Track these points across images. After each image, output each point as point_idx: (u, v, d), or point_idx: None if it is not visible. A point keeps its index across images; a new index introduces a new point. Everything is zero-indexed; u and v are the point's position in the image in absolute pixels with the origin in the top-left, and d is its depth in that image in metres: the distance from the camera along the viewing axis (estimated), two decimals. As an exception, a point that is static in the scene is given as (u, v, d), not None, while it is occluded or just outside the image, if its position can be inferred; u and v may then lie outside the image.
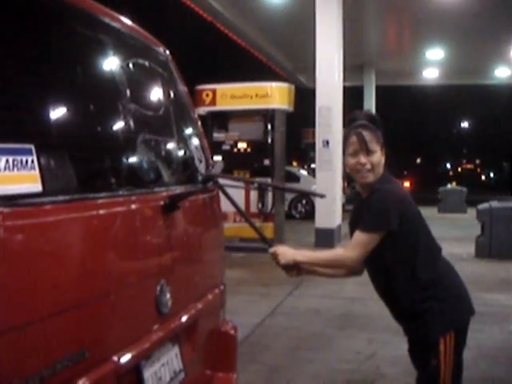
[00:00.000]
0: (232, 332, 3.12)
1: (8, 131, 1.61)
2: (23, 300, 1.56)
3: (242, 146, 13.04)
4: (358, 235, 2.77)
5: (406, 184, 48.93)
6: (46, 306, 1.64)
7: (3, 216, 1.50)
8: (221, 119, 12.84)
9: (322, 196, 3.00)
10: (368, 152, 2.81)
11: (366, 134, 2.82)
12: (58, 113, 1.89)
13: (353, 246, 2.79)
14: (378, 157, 2.84)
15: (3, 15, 1.70)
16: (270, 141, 12.64)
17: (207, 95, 12.75)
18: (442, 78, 24.57)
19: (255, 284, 8.71)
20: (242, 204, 12.02)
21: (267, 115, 12.63)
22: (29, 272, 1.59)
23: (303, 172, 21.92)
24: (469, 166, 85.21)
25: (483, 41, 17.44)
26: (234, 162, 11.67)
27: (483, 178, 77.73)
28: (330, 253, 3.03)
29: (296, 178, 19.33)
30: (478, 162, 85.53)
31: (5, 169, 1.54)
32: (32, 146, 1.65)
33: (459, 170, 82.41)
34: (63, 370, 1.67)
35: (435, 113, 67.11)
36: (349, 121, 2.99)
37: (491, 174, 79.70)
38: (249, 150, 13.03)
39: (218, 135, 12.75)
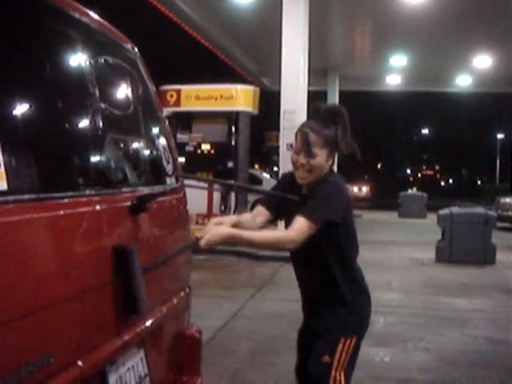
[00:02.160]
0: (197, 335, 3.06)
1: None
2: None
3: (205, 147, 13.00)
4: (303, 221, 2.68)
5: (365, 188, 49.41)
6: (9, 308, 1.57)
7: (-34, 214, 1.43)
8: (185, 120, 12.79)
9: (296, 199, 2.91)
10: (309, 154, 2.81)
11: (312, 137, 2.81)
12: (23, 110, 1.82)
13: (297, 231, 2.68)
14: (319, 161, 2.83)
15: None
16: (233, 143, 12.63)
17: (171, 96, 12.69)
18: (405, 84, 24.87)
19: (217, 287, 8.67)
20: (204, 206, 11.97)
21: (232, 117, 12.64)
22: (-8, 273, 1.52)
23: (265, 175, 21.94)
24: (429, 172, 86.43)
25: (446, 49, 17.71)
26: (198, 164, 11.63)
27: (442, 183, 78.94)
28: (272, 234, 2.80)
29: (259, 181, 19.34)
30: (437, 168, 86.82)
31: (-32, 165, 1.48)
32: (-4, 143, 1.59)
33: (419, 175, 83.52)
34: (28, 375, 1.61)
35: (397, 119, 67.94)
36: (312, 110, 3.00)
37: (450, 181, 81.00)
38: (212, 151, 13.01)
39: (181, 136, 12.70)
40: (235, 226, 2.79)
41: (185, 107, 12.62)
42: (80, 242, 1.95)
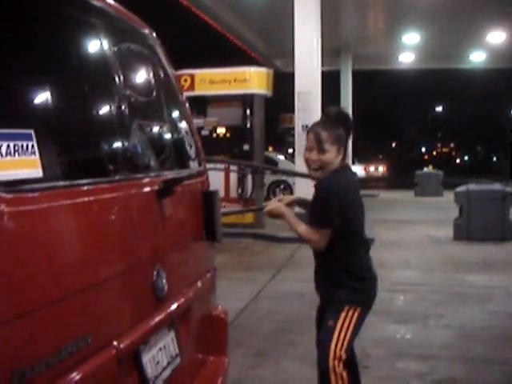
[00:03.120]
0: (223, 316, 3.13)
1: (8, 117, 1.59)
2: (26, 287, 1.54)
3: (220, 131, 13.03)
4: (315, 231, 3.18)
5: (381, 168, 49.22)
6: (50, 292, 1.63)
7: (6, 202, 1.48)
8: (199, 104, 12.78)
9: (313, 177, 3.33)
10: (321, 151, 3.16)
11: (323, 134, 3.16)
12: (55, 98, 1.86)
13: (319, 238, 3.17)
14: (330, 157, 3.17)
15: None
16: (248, 126, 12.64)
17: (185, 80, 12.69)
18: (418, 62, 24.68)
19: (237, 269, 8.73)
20: (221, 189, 12.03)
21: (246, 100, 12.62)
22: (32, 258, 1.58)
23: (281, 157, 21.95)
24: (444, 150, 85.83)
25: (459, 25, 17.53)
26: (214, 148, 11.65)
27: (458, 161, 78.42)
28: (305, 231, 3.23)
29: (274, 163, 19.36)
30: (452, 145, 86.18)
31: (6, 154, 1.53)
32: (32, 131, 1.64)
33: (434, 153, 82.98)
34: (68, 355, 1.67)
35: (411, 97, 67.45)
36: (322, 115, 3.40)
37: (466, 158, 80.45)
38: (228, 135, 13.03)
39: (196, 121, 12.69)
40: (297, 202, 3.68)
41: (199, 91, 12.62)
42: (113, 225, 2.00)
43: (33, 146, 1.62)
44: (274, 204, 3.40)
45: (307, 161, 3.24)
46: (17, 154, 1.56)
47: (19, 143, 1.57)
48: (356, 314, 3.18)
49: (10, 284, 1.48)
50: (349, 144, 3.33)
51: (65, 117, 1.93)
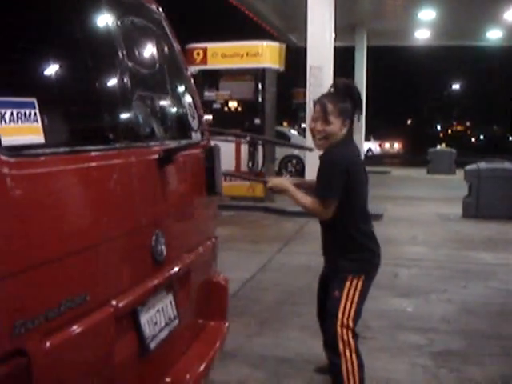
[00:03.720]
0: (223, 283, 3.24)
1: (11, 85, 1.69)
2: (27, 244, 1.66)
3: (232, 105, 13.07)
4: (321, 201, 3.26)
5: (396, 145, 48.95)
6: (49, 249, 1.74)
7: (10, 165, 1.59)
8: (212, 78, 12.83)
9: (310, 149, 3.70)
10: (326, 122, 3.26)
11: (329, 106, 3.25)
12: (57, 68, 1.96)
13: (324, 207, 3.26)
14: (334, 128, 3.27)
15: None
16: (260, 100, 12.67)
17: (198, 54, 12.73)
18: (434, 39, 24.41)
19: (245, 241, 8.85)
20: (232, 163, 12.12)
21: (258, 74, 12.64)
22: (33, 218, 1.68)
23: (293, 132, 21.97)
24: (459, 128, 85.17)
25: (475, 2, 17.34)
26: (225, 121, 11.71)
27: (473, 140, 77.84)
28: (310, 203, 3.31)
29: (287, 138, 19.38)
30: (468, 124, 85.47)
31: (10, 121, 1.63)
32: (34, 100, 1.73)
33: (449, 131, 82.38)
34: (66, 311, 1.78)
35: (426, 74, 66.77)
36: (330, 87, 3.45)
37: (481, 137, 79.84)
38: (239, 109, 13.07)
39: (208, 94, 12.76)
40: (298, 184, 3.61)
41: (211, 65, 12.65)
42: (113, 190, 2.10)
43: (35, 113, 1.72)
44: (277, 179, 3.57)
45: (312, 131, 3.34)
46: (20, 121, 1.66)
47: (22, 111, 1.67)
48: (360, 283, 3.30)
49: (11, 241, 1.60)
50: (361, 118, 3.44)
51: (67, 86, 2.03)
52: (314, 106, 3.35)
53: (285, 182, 3.49)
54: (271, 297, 6.00)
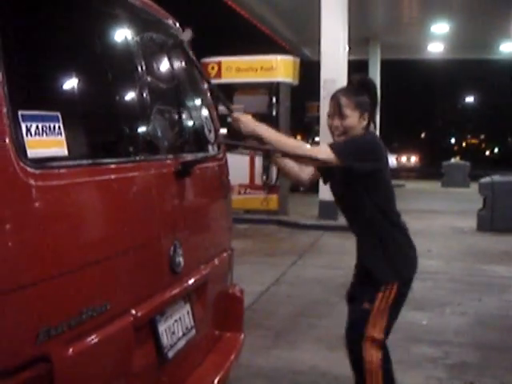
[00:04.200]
0: (239, 294, 3.28)
1: (37, 100, 1.75)
2: (53, 254, 1.71)
3: (246, 118, 13.14)
4: (330, 152, 2.93)
5: (413, 158, 48.54)
6: (73, 260, 1.79)
7: (35, 177, 1.64)
8: (226, 92, 12.88)
9: None
10: (341, 116, 3.05)
11: (343, 100, 3.06)
12: (79, 83, 2.02)
13: (327, 151, 2.94)
14: (352, 121, 3.05)
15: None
16: (274, 114, 12.74)
17: (213, 68, 12.84)
18: (447, 52, 24.44)
19: (259, 254, 8.89)
20: (246, 176, 12.18)
21: (272, 88, 12.72)
22: (57, 228, 1.74)
23: (307, 145, 21.99)
24: (473, 141, 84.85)
25: (488, 15, 17.35)
26: (239, 135, 11.76)
27: (487, 153, 77.49)
28: (297, 143, 3.17)
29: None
30: (482, 137, 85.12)
31: (35, 134, 1.68)
32: (58, 114, 1.79)
33: (464, 144, 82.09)
34: (88, 319, 1.83)
35: (440, 87, 66.74)
36: (346, 84, 3.30)
37: (495, 150, 79.44)
38: (254, 122, 13.13)
39: (222, 108, 12.82)
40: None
41: (226, 79, 12.75)
42: (133, 202, 2.16)
43: (59, 127, 1.78)
44: (246, 119, 3.01)
45: (330, 128, 3.14)
46: (45, 134, 1.72)
47: (47, 124, 1.73)
48: (393, 294, 3.02)
49: (37, 250, 1.65)
50: (376, 113, 3.22)
51: (90, 101, 2.09)
52: (330, 102, 3.16)
53: (251, 125, 3.00)
54: (286, 309, 6.02)
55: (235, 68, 12.83)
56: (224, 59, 13.03)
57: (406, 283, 3.13)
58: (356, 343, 3.08)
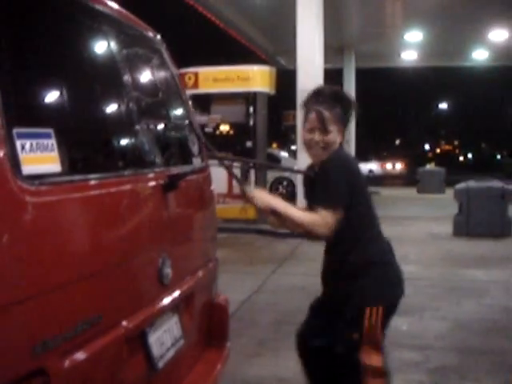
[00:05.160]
0: (224, 303, 3.32)
1: (31, 117, 1.79)
2: (47, 269, 1.74)
3: (224, 128, 13.20)
4: (323, 213, 2.78)
5: (399, 165, 48.68)
6: (67, 274, 1.83)
7: (30, 193, 1.68)
8: (203, 102, 12.97)
9: (311, 175, 3.10)
10: (324, 131, 2.90)
11: (326, 114, 2.90)
12: (71, 101, 2.06)
13: (325, 223, 2.78)
14: (333, 136, 2.92)
15: (12, 10, 1.85)
16: (251, 123, 12.83)
17: (189, 78, 12.89)
18: (421, 60, 24.75)
19: (239, 263, 8.91)
20: (224, 185, 12.22)
21: (249, 98, 12.80)
22: (52, 244, 1.77)
23: (284, 154, 22.11)
24: (447, 147, 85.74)
25: (461, 23, 17.63)
26: (217, 144, 11.80)
27: (462, 158, 78.33)
28: (306, 217, 2.87)
29: (277, 160, 19.51)
30: (456, 143, 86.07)
31: (30, 151, 1.72)
32: (51, 131, 1.83)
33: (438, 151, 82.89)
34: (82, 332, 1.87)
35: (414, 95, 67.41)
36: (313, 94, 3.04)
37: (469, 155, 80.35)
38: (231, 132, 13.20)
39: (200, 118, 12.89)
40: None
41: (203, 89, 12.82)
42: (123, 216, 2.20)
43: (52, 144, 1.82)
44: (261, 195, 2.91)
45: (309, 142, 2.95)
46: (38, 150, 1.76)
47: (41, 141, 1.77)
48: (380, 314, 2.89)
49: (32, 265, 1.69)
50: (351, 127, 3.10)
51: (80, 117, 2.13)
52: (306, 114, 2.99)
53: (270, 198, 2.91)
54: (268, 318, 6.06)
55: (212, 78, 12.90)
56: (201, 70, 13.10)
57: (392, 302, 3.05)
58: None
